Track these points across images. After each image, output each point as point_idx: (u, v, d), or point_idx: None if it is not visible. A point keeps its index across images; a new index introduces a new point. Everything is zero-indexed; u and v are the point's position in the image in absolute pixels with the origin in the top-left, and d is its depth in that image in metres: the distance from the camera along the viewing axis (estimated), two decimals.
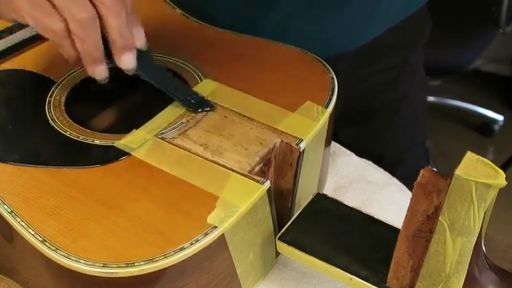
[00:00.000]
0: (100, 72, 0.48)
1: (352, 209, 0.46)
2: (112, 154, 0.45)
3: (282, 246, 0.43)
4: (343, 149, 0.63)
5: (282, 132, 0.47)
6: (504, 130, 1.89)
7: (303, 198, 0.48)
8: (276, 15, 0.65)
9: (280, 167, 0.47)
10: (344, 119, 0.71)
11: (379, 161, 0.63)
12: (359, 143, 0.68)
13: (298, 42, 0.59)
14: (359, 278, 0.40)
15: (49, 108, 0.51)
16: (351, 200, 0.56)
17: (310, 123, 0.48)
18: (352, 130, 0.79)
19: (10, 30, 0.59)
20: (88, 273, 0.37)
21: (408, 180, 0.58)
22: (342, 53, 0.70)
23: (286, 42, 0.58)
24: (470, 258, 0.36)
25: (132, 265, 0.37)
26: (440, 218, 0.35)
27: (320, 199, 0.46)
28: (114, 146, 0.46)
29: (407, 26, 0.74)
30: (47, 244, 0.38)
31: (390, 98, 0.79)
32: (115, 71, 0.49)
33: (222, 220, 0.39)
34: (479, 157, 0.34)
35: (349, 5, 0.66)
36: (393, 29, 0.72)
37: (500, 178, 0.33)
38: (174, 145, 0.46)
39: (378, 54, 0.74)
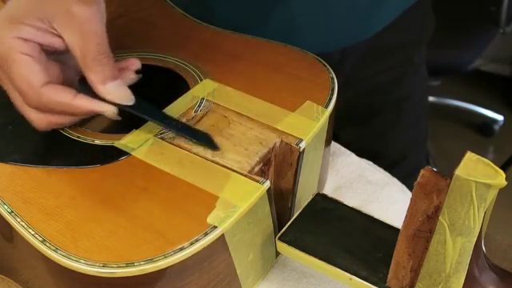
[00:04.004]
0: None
1: (352, 209, 0.46)
2: (112, 154, 0.45)
3: (282, 246, 0.43)
4: (343, 149, 0.63)
5: (282, 132, 0.47)
6: (504, 130, 1.89)
7: (303, 197, 0.48)
8: (286, 3, 0.65)
9: (280, 167, 0.47)
10: (347, 118, 0.71)
11: (380, 159, 0.63)
12: (360, 142, 0.68)
13: (309, 31, 0.57)
14: (359, 277, 0.40)
15: None
16: (351, 200, 0.56)
17: (310, 123, 0.48)
18: (354, 129, 0.79)
19: None
20: (88, 273, 0.37)
21: (408, 178, 0.58)
22: (352, 45, 0.70)
23: (295, 32, 0.56)
24: (469, 258, 0.36)
25: (132, 265, 0.37)
26: (440, 218, 0.35)
27: (320, 199, 0.46)
28: (114, 146, 0.46)
29: (411, 23, 0.74)
30: (47, 244, 0.38)
31: (394, 98, 0.79)
32: None
33: (222, 220, 0.39)
34: (479, 157, 0.34)
35: None
36: (397, 27, 0.72)
37: (500, 178, 0.33)
38: (174, 145, 0.46)
39: (383, 53, 0.74)
